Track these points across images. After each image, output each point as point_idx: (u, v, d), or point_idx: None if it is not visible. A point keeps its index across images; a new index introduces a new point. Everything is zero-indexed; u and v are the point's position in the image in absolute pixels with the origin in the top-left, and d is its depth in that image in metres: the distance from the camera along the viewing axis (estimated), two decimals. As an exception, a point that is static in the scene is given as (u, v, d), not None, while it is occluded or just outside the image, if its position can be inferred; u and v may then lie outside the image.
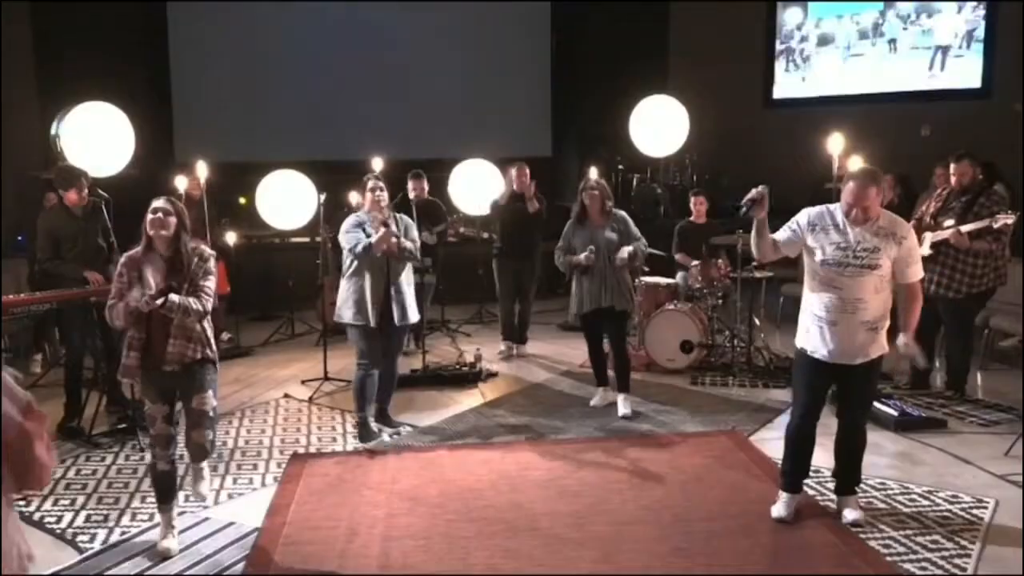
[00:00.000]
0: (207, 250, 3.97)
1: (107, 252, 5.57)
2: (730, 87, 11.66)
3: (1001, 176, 7.66)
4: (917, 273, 3.94)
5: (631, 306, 5.83)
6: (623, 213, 5.79)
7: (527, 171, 7.33)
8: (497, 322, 8.63)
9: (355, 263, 5.14)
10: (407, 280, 5.29)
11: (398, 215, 5.34)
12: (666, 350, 6.74)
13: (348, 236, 5.14)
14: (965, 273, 5.63)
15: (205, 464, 4.09)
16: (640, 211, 9.79)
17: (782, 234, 4.07)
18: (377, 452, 5.15)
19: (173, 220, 3.80)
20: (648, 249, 5.90)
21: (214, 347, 3.95)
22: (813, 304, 3.98)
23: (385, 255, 5.10)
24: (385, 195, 5.22)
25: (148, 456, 3.94)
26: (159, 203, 3.82)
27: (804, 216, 4.03)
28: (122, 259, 3.87)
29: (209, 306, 3.85)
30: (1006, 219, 5.36)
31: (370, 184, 5.20)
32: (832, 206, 4.00)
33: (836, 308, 3.87)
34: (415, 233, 5.35)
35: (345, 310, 5.18)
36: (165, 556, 3.83)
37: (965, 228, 5.49)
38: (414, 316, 5.33)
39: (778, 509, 4.12)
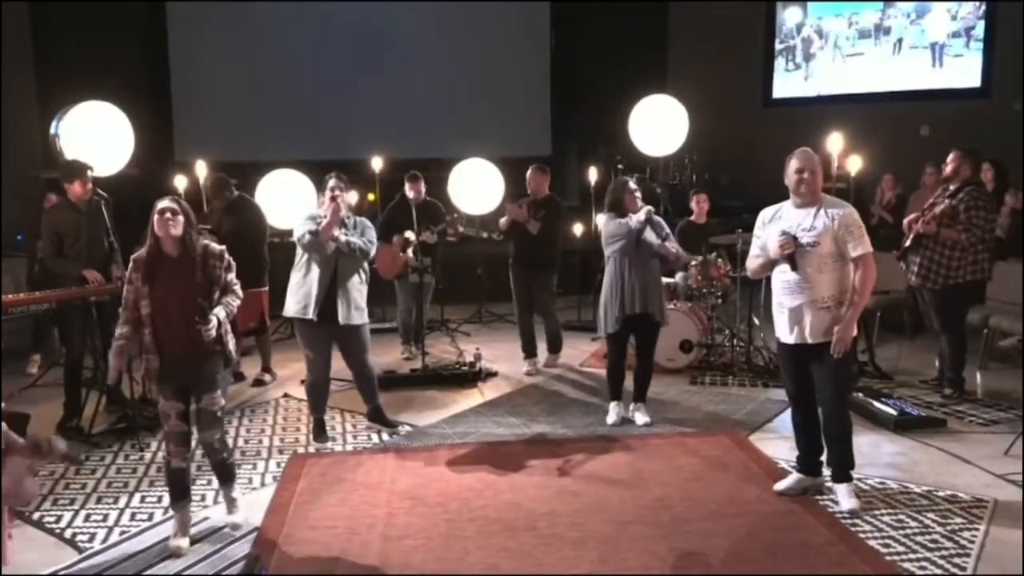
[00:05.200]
0: (217, 246, 4.00)
1: (108, 251, 5.58)
2: (730, 86, 11.68)
3: (1007, 174, 7.65)
4: (860, 248, 4.07)
5: (665, 319, 5.59)
6: (659, 219, 5.54)
7: (539, 174, 6.94)
8: (498, 322, 8.66)
9: (303, 256, 5.12)
10: (358, 280, 5.20)
11: (358, 217, 5.30)
12: (666, 349, 6.72)
13: (298, 226, 5.10)
14: (941, 265, 5.71)
15: (236, 489, 4.19)
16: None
17: (755, 248, 4.36)
18: (377, 452, 5.15)
19: (181, 219, 3.82)
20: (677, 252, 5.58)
21: (231, 347, 3.99)
22: (774, 292, 4.28)
23: (335, 250, 5.03)
24: (343, 196, 5.15)
25: (162, 453, 4.00)
26: (165, 203, 3.83)
27: (759, 218, 4.35)
28: (131, 263, 3.89)
29: (238, 302, 4.01)
30: (939, 207, 5.64)
31: (331, 184, 5.15)
32: (781, 203, 4.29)
33: (786, 291, 4.16)
34: (372, 235, 5.26)
35: (289, 302, 5.15)
36: (175, 555, 3.84)
37: (928, 218, 5.69)
38: (359, 318, 5.19)
39: (782, 483, 4.41)
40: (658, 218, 5.52)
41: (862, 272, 4.06)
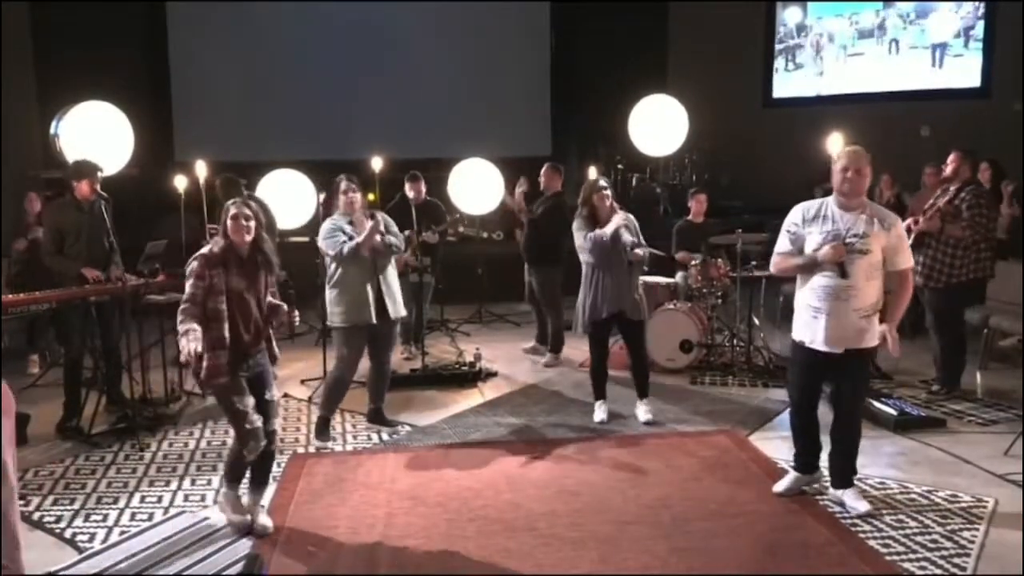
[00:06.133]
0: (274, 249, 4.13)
1: (108, 251, 5.57)
2: (730, 87, 11.68)
3: (1004, 174, 7.66)
4: (907, 260, 4.05)
5: (645, 317, 5.65)
6: (629, 215, 5.58)
7: (549, 171, 7.28)
8: (498, 322, 8.70)
9: (341, 267, 5.14)
10: (394, 274, 5.34)
11: (377, 212, 5.34)
12: (666, 349, 6.73)
13: (330, 242, 5.13)
14: (944, 263, 5.73)
15: (264, 497, 4.21)
16: (639, 210, 9.79)
17: (785, 243, 4.17)
18: (377, 452, 5.15)
19: (253, 224, 3.93)
20: (648, 252, 5.62)
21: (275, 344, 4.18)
22: (807, 295, 4.09)
23: (371, 252, 5.11)
24: (358, 195, 5.23)
25: (235, 447, 4.06)
26: (239, 209, 3.91)
27: (798, 212, 4.15)
28: (197, 260, 3.90)
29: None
30: (943, 199, 5.68)
31: (343, 186, 5.20)
32: (823, 199, 4.14)
33: (829, 296, 3.98)
34: (395, 228, 5.37)
35: (340, 313, 5.18)
36: (262, 534, 3.97)
37: (930, 214, 5.71)
38: (403, 310, 5.40)
39: (781, 484, 4.37)
40: (631, 219, 5.53)
41: (908, 283, 4.06)
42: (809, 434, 4.31)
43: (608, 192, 5.50)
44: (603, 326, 5.53)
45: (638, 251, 5.35)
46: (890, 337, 4.01)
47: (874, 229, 3.96)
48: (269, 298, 4.07)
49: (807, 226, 4.08)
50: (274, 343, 4.14)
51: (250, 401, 3.95)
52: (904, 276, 4.06)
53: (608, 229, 5.35)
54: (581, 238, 5.47)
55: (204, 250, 3.95)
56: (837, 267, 3.94)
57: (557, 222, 6.93)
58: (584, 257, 5.50)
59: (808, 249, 4.05)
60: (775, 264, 4.28)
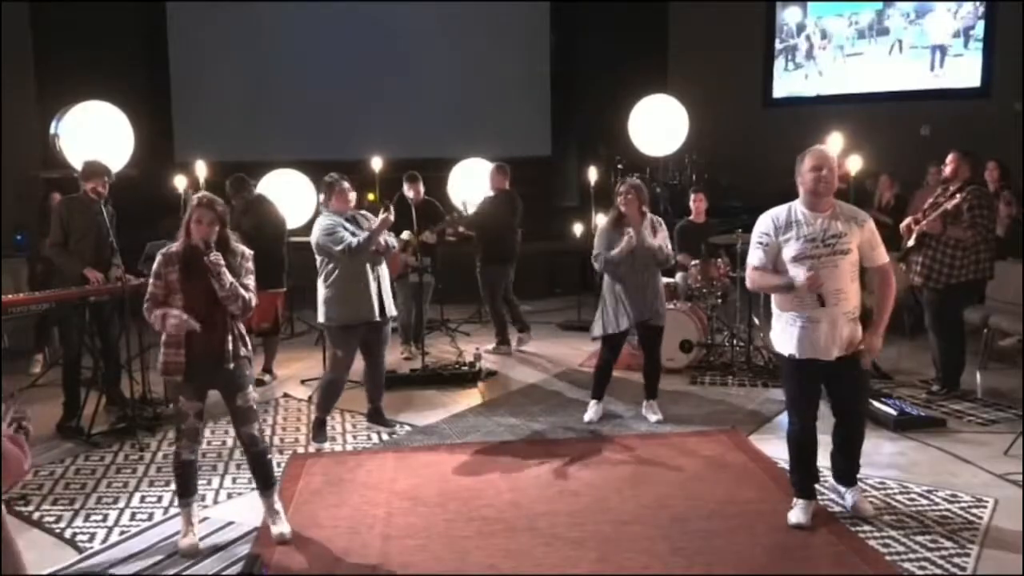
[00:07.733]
0: (246, 249, 4.02)
1: (109, 252, 5.57)
2: (730, 86, 11.68)
3: (1009, 175, 7.67)
4: (884, 255, 3.96)
5: (664, 321, 5.61)
6: (659, 219, 5.56)
7: (492, 171, 7.60)
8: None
9: (339, 264, 5.07)
10: (386, 272, 5.36)
11: (362, 212, 5.34)
12: (665, 349, 6.68)
13: (335, 236, 5.03)
14: (944, 264, 5.71)
15: (276, 497, 4.08)
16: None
17: (759, 256, 3.95)
18: (377, 452, 5.16)
19: (217, 228, 3.85)
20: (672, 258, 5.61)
21: (249, 345, 4.04)
22: (793, 304, 3.90)
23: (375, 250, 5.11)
24: (354, 194, 5.25)
25: (174, 448, 4.05)
26: (201, 209, 3.82)
27: (767, 221, 3.95)
28: (159, 258, 3.87)
29: (253, 303, 3.92)
30: (951, 202, 5.62)
31: (338, 186, 5.16)
32: (788, 204, 3.96)
33: (816, 303, 3.81)
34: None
35: (337, 312, 5.12)
36: (188, 555, 3.83)
37: (932, 216, 5.68)
38: (395, 308, 5.43)
39: (796, 515, 4.03)
40: (661, 224, 5.52)
41: (890, 279, 3.98)
42: (812, 454, 4.09)
43: (632, 196, 5.37)
44: (622, 333, 5.51)
45: (652, 242, 5.33)
46: (878, 345, 3.91)
47: (850, 227, 3.85)
48: (240, 291, 3.86)
49: (781, 234, 3.89)
50: (246, 345, 3.98)
51: (196, 405, 3.89)
52: (884, 272, 3.96)
53: (615, 252, 5.31)
54: (598, 246, 5.46)
55: (164, 248, 3.92)
56: (816, 297, 3.77)
57: (499, 220, 7.25)
58: (598, 266, 5.49)
59: (786, 256, 3.87)
60: (752, 280, 4.03)
